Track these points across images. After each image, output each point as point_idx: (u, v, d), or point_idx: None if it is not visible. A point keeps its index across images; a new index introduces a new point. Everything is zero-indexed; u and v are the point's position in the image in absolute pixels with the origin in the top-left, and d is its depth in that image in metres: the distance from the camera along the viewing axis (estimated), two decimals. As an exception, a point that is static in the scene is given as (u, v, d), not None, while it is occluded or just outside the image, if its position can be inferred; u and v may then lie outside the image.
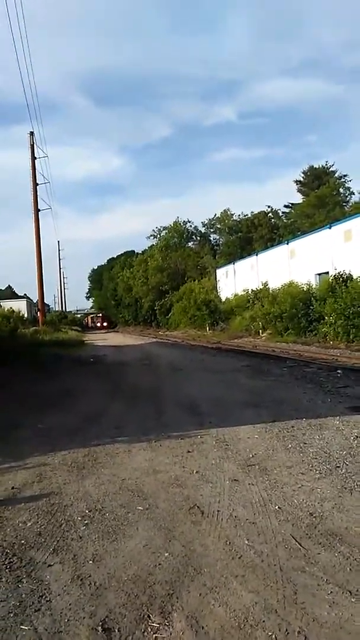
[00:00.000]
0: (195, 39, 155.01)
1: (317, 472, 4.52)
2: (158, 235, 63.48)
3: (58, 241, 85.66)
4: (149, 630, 2.38)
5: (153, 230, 64.85)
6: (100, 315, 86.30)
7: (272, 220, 53.46)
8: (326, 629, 2.33)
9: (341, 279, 22.24)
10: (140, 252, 70.99)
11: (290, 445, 5.42)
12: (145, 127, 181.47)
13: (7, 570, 2.98)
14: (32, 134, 32.23)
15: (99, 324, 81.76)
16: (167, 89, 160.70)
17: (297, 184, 53.66)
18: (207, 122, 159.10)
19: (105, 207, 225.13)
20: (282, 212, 54.07)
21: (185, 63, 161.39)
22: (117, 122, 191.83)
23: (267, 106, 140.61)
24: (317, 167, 51.47)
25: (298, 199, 52.31)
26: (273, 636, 2.29)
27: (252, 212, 55.21)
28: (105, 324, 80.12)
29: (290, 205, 53.48)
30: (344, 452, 5.05)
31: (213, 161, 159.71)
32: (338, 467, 4.63)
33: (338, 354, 15.65)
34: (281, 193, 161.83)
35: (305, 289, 25.00)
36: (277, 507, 3.77)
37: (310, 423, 6.36)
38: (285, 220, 51.77)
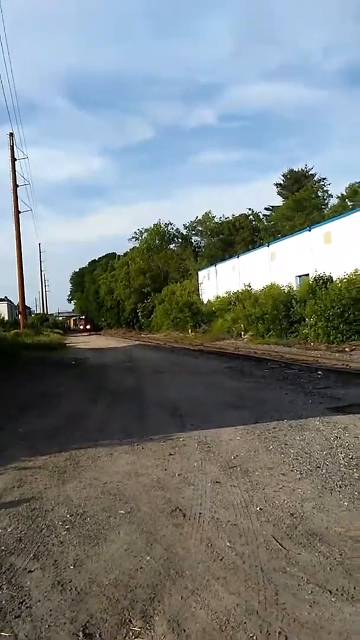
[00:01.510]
0: (175, 41, 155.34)
1: (298, 472, 4.56)
2: (140, 238, 63.42)
3: (39, 243, 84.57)
4: (131, 634, 2.37)
5: (135, 232, 64.78)
6: (84, 317, 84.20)
7: (253, 222, 53.85)
8: (307, 629, 2.35)
9: (321, 281, 22.50)
10: (122, 254, 70.76)
11: (271, 447, 5.46)
12: (126, 129, 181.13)
13: (-14, 577, 2.94)
14: (11, 135, 32.01)
15: (82, 327, 79.79)
16: (147, 91, 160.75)
17: (277, 187, 54.23)
18: (188, 124, 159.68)
19: (87, 209, 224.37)
20: (263, 215, 54.55)
21: (166, 65, 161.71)
22: (99, 124, 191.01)
23: (247, 109, 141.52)
24: (296, 170, 52.11)
25: (278, 201, 52.84)
26: (254, 637, 2.30)
27: (233, 214, 55.57)
28: (88, 326, 78.06)
29: (270, 208, 53.95)
30: (325, 453, 5.11)
31: (194, 163, 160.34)
32: (319, 467, 4.67)
33: (319, 355, 15.82)
34: (262, 196, 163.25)
35: (286, 291, 25.25)
36: (258, 508, 3.79)
37: (291, 424, 6.41)
38: (266, 223, 52.20)
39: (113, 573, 2.92)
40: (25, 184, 34.68)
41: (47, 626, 2.45)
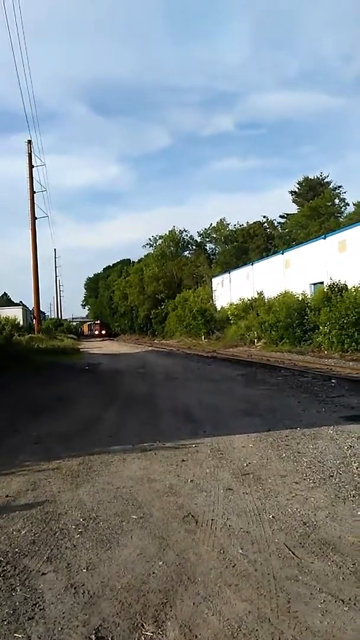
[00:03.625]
0: (194, 49, 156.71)
1: (311, 481, 4.54)
2: (154, 244, 63.68)
3: (55, 249, 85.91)
4: (143, 638, 2.38)
5: (149, 239, 65.06)
6: (99, 322, 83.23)
7: (268, 230, 53.77)
8: (319, 638, 2.34)
9: (336, 289, 22.37)
10: (137, 260, 71.10)
11: (284, 455, 5.44)
12: (144, 136, 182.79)
13: (0, 578, 2.97)
14: (29, 142, 32.44)
15: (96, 332, 78.94)
16: (166, 98, 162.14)
17: (292, 195, 54.08)
18: (206, 131, 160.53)
19: (103, 215, 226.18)
20: (278, 223, 54.41)
21: (184, 73, 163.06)
22: (117, 131, 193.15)
23: (265, 117, 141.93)
24: (312, 178, 51.91)
25: (293, 209, 52.69)
26: (266, 645, 2.30)
27: (247, 222, 55.58)
28: (103, 332, 77.22)
29: (285, 215, 53.81)
30: (338, 462, 5.07)
31: (211, 171, 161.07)
32: (332, 476, 4.65)
33: (332, 364, 15.71)
34: (277, 203, 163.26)
35: (300, 299, 25.14)
36: (271, 516, 3.78)
37: (304, 432, 6.38)
38: (280, 231, 52.07)
39: (125, 577, 2.94)
40: (42, 190, 35.17)
41: (59, 629, 2.47)
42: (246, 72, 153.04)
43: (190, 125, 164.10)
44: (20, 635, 2.42)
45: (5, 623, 2.52)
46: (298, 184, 53.31)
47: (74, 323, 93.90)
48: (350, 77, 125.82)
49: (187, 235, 61.04)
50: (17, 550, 3.34)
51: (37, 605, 2.68)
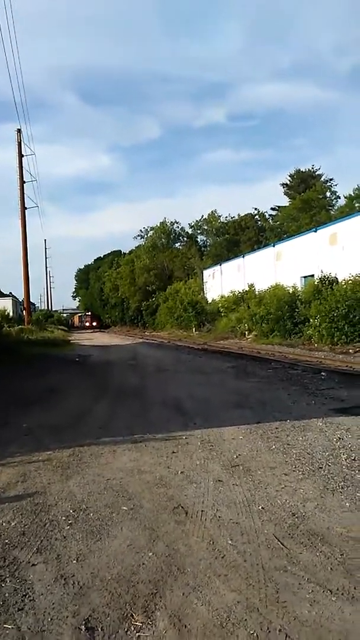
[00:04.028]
0: (186, 39, 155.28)
1: (300, 473, 4.58)
2: (145, 236, 63.44)
3: (45, 240, 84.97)
4: (132, 629, 2.39)
5: (140, 230, 64.79)
6: (89, 314, 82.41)
7: (259, 222, 53.72)
8: (307, 628, 2.36)
9: (327, 282, 22.47)
10: (128, 252, 70.82)
11: (274, 446, 5.47)
12: (135, 126, 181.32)
13: (-10, 569, 2.97)
14: (19, 131, 32.07)
15: (87, 324, 78.11)
16: (157, 89, 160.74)
17: (283, 187, 54.05)
18: (197, 123, 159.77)
19: (93, 206, 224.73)
20: (269, 215, 54.36)
21: (176, 64, 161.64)
22: (108, 121, 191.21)
23: (257, 108, 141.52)
24: (303, 170, 51.89)
25: (285, 201, 52.69)
26: (255, 634, 2.32)
27: (239, 214, 55.47)
28: (94, 323, 76.53)
29: (277, 208, 53.80)
30: (327, 454, 5.12)
31: (202, 162, 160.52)
32: (321, 468, 4.69)
33: (322, 357, 15.82)
34: (268, 195, 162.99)
35: (290, 292, 25.23)
36: (260, 507, 3.81)
37: (294, 424, 6.43)
38: (271, 223, 52.05)
39: (115, 568, 2.95)
40: (32, 180, 34.80)
41: (49, 619, 2.48)
42: (239, 63, 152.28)
43: (181, 116, 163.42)
44: (10, 626, 2.43)
45: (-6, 614, 2.52)
46: (290, 176, 53.28)
47: (65, 314, 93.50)
48: (344, 70, 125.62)
49: (178, 227, 60.85)
50: (6, 541, 3.34)
51: (27, 596, 2.68)
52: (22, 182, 31.90)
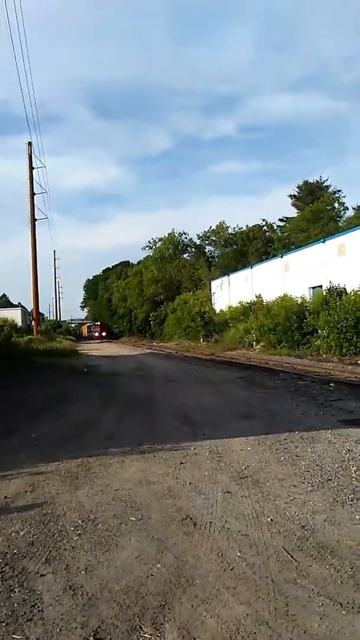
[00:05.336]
0: (196, 52, 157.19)
1: (309, 484, 4.55)
2: (153, 247, 63.72)
3: (54, 251, 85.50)
4: (141, 640, 2.39)
5: (148, 241, 65.14)
6: (99, 323, 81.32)
7: (267, 233, 53.82)
8: (317, 641, 2.34)
9: (335, 293, 22.41)
10: (136, 262, 71.13)
11: (282, 458, 5.44)
12: (145, 138, 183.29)
13: (-1, 579, 2.97)
14: (30, 144, 32.49)
15: (97, 334, 77.10)
16: (167, 101, 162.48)
17: (291, 199, 54.15)
18: (206, 135, 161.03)
19: (102, 217, 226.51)
20: (277, 226, 54.44)
21: (185, 76, 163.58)
22: (117, 133, 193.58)
23: (266, 120, 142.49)
24: (311, 181, 52.01)
25: (293, 213, 52.75)
26: (264, 648, 2.30)
27: (247, 225, 55.64)
28: (104, 333, 75.54)
29: (285, 219, 53.87)
30: (336, 465, 5.08)
31: (211, 174, 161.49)
32: (330, 480, 4.65)
33: (331, 367, 15.74)
34: (276, 207, 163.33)
35: (299, 302, 25.20)
36: (269, 519, 3.78)
37: (302, 436, 6.39)
38: (279, 234, 52.09)
39: (124, 579, 2.94)
40: (42, 192, 35.19)
41: (58, 630, 2.47)
42: (248, 75, 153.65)
43: (191, 128, 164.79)
44: (19, 637, 2.43)
45: (3, 624, 2.52)
46: (297, 187, 53.41)
47: (73, 324, 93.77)
48: (352, 81, 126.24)
49: (186, 238, 61.16)
50: (15, 551, 3.35)
51: (36, 607, 2.68)
52: (32, 194, 32.24)
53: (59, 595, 2.80)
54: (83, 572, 3.04)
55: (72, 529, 3.70)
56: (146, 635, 2.42)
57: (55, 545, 3.43)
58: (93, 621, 2.54)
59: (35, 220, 32.28)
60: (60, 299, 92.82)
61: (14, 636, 2.43)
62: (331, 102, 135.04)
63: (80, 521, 3.83)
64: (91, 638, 2.40)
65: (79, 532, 3.63)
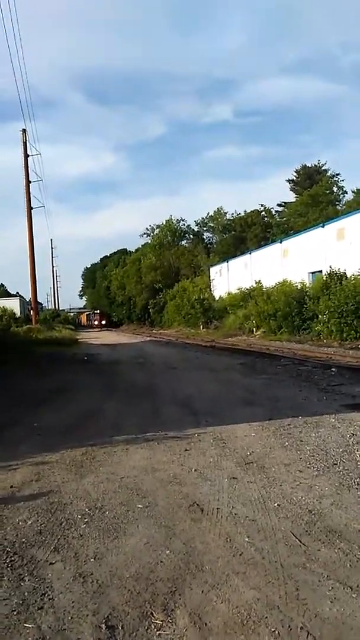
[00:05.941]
0: (192, 37, 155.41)
1: (315, 469, 4.55)
2: (151, 234, 63.44)
3: (51, 239, 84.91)
4: (153, 627, 2.39)
5: (146, 228, 64.86)
6: (99, 312, 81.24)
7: (266, 219, 53.59)
8: (329, 625, 2.35)
9: (335, 277, 22.35)
10: (134, 250, 70.85)
11: (287, 443, 5.45)
12: (141, 124, 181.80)
13: (8, 568, 2.97)
14: (24, 131, 32.14)
15: (96, 322, 77.28)
16: (163, 87, 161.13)
17: (289, 183, 53.84)
18: (203, 120, 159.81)
19: (99, 205, 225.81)
20: (276, 211, 54.21)
21: (182, 61, 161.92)
22: (113, 120, 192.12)
23: (263, 105, 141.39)
24: (309, 166, 51.69)
25: (291, 197, 52.48)
26: (276, 632, 2.31)
27: (245, 210, 55.39)
28: (103, 322, 75.41)
29: (283, 204, 53.61)
30: (341, 450, 5.09)
31: (208, 159, 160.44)
32: (335, 464, 4.66)
33: (332, 352, 15.74)
34: (274, 192, 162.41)
35: (298, 288, 25.15)
36: (276, 504, 3.79)
37: (306, 421, 6.40)
38: (278, 219, 51.88)
39: (133, 566, 2.95)
40: (38, 180, 34.89)
41: (69, 618, 2.48)
42: (245, 59, 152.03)
43: (187, 113, 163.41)
44: (30, 625, 2.43)
45: (15, 613, 2.52)
46: (296, 172, 53.11)
47: (72, 313, 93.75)
48: (349, 65, 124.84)
49: (184, 225, 60.88)
50: (24, 540, 3.35)
51: (46, 595, 2.68)
52: (28, 182, 31.97)
53: (69, 583, 2.80)
54: (92, 560, 3.04)
55: (80, 517, 3.70)
56: (157, 622, 2.42)
57: (63, 533, 3.43)
58: (104, 608, 2.54)
59: (32, 208, 32.08)
60: (59, 288, 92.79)
61: (25, 625, 2.43)
62: (329, 85, 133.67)
63: (87, 509, 3.84)
64: (103, 625, 2.41)
65: (86, 520, 3.64)
